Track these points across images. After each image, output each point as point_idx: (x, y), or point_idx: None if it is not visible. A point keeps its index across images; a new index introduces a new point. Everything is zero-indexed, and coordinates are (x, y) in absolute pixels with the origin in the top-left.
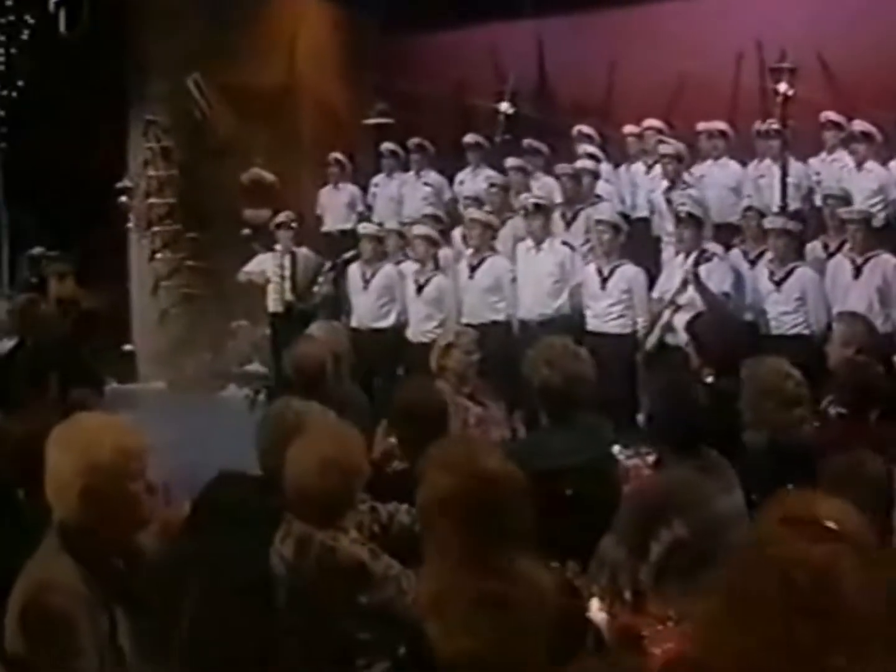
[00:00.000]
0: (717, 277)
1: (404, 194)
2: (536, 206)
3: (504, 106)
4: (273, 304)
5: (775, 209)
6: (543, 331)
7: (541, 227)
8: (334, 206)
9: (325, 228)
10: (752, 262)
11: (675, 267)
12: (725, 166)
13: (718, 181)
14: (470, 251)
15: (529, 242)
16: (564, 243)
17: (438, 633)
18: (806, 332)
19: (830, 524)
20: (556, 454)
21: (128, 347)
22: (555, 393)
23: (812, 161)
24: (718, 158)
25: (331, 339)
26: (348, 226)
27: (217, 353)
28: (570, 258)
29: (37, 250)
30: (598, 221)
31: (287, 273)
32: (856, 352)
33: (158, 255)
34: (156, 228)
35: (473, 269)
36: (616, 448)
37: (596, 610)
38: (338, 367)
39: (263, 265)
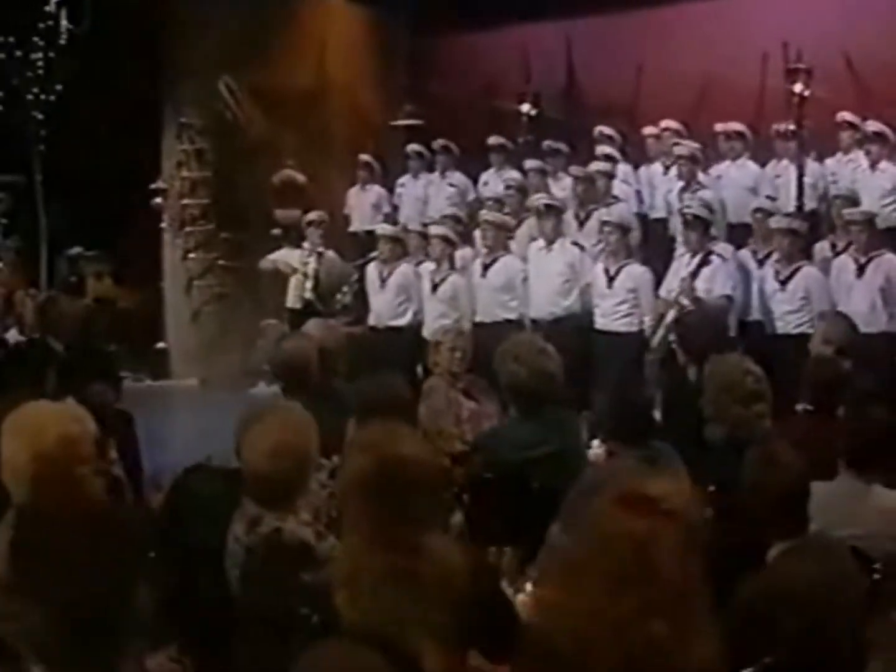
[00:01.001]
0: (720, 279)
1: (429, 195)
2: (548, 206)
3: (526, 107)
4: (292, 299)
5: (791, 209)
6: (554, 329)
7: (552, 228)
8: (361, 206)
9: (351, 228)
10: (761, 262)
11: (681, 267)
12: (743, 167)
13: (736, 182)
14: (484, 251)
15: (541, 242)
16: (575, 243)
17: (345, 604)
18: (811, 331)
19: (660, 500)
20: (523, 446)
21: (161, 345)
22: (521, 387)
23: (828, 161)
24: (736, 159)
25: (324, 335)
26: (374, 226)
27: (248, 350)
28: (579, 258)
29: (75, 250)
30: (605, 223)
31: (311, 271)
32: (836, 351)
33: (192, 255)
34: (189, 229)
35: (486, 268)
36: (595, 441)
37: (529, 591)
38: (329, 364)
39: (289, 258)
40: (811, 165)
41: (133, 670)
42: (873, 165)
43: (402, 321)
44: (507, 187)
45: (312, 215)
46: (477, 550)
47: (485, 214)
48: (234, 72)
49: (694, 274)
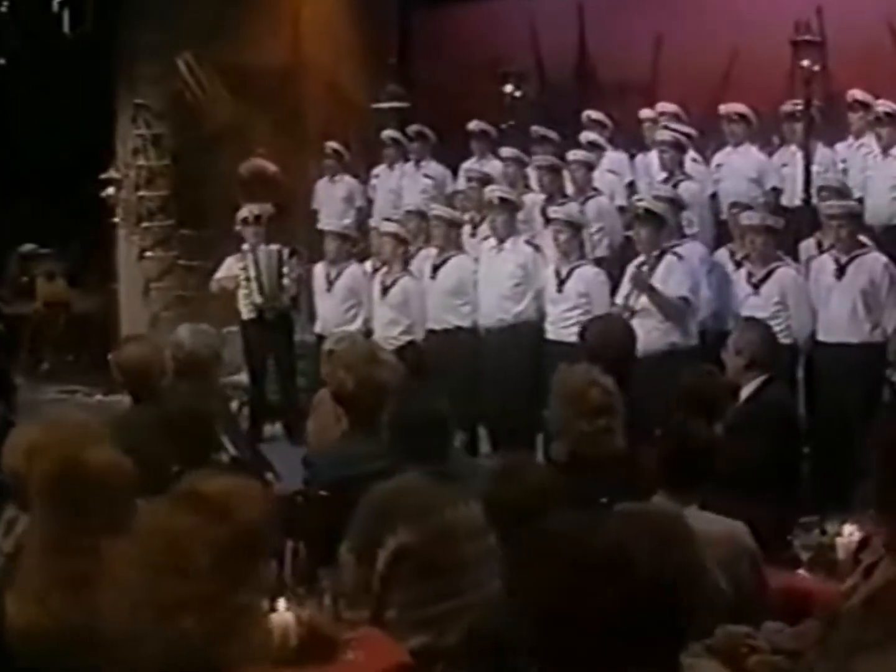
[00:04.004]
0: (674, 280)
1: (403, 186)
2: (502, 200)
3: (509, 88)
4: (244, 310)
5: (798, 202)
6: (504, 338)
7: (504, 224)
8: (331, 200)
9: (320, 226)
10: (738, 264)
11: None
12: (746, 154)
13: (737, 171)
14: (434, 251)
15: (493, 241)
16: (528, 242)
17: (13, 606)
18: (787, 340)
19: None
20: (351, 461)
21: None
22: (350, 398)
23: (838, 146)
24: (738, 145)
25: (194, 341)
26: (345, 222)
27: None
28: (533, 259)
29: (27, 247)
30: (554, 220)
31: (252, 273)
32: (748, 362)
33: (149, 254)
34: (146, 224)
35: (436, 269)
36: None
37: (282, 609)
38: (202, 370)
39: (231, 269)
40: (821, 151)
41: None
42: (885, 151)
43: (350, 328)
44: (469, 179)
45: (244, 212)
46: None
47: (434, 209)
48: (197, 47)
49: (637, 275)
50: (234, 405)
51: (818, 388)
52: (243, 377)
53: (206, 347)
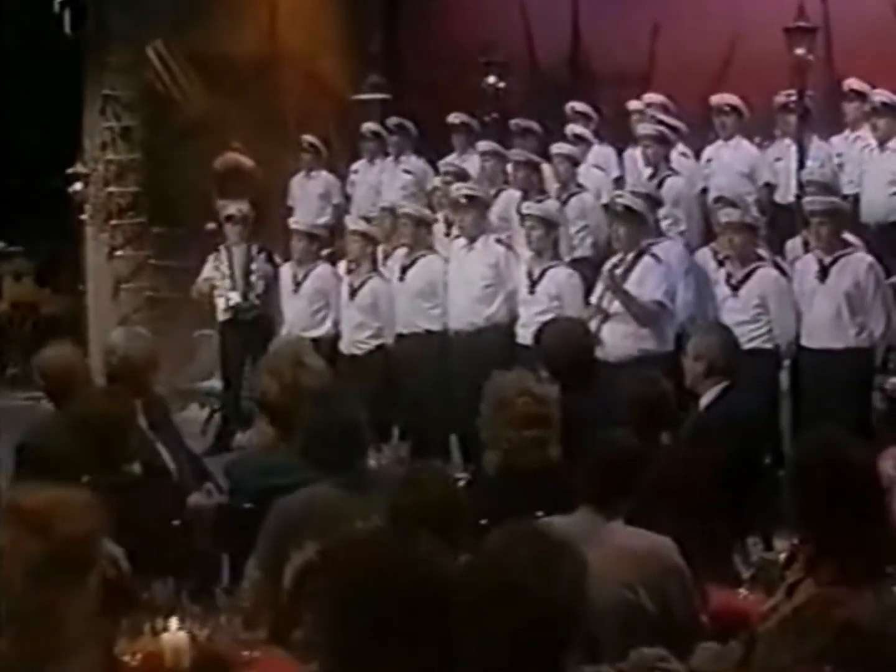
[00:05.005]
0: (650, 282)
1: (383, 182)
2: (469, 197)
3: (492, 79)
4: (221, 312)
5: (791, 198)
6: (474, 343)
7: (472, 223)
8: (307, 197)
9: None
10: (721, 263)
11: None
12: (737, 148)
13: (729, 166)
14: (403, 251)
15: (463, 240)
16: (500, 241)
17: None
18: (767, 345)
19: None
20: (269, 472)
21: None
22: (273, 405)
23: (835, 140)
24: (729, 139)
25: (129, 346)
26: (322, 220)
27: (182, 366)
28: (505, 259)
29: None
30: (527, 216)
31: (227, 273)
32: (706, 369)
33: (118, 253)
34: (115, 222)
35: (405, 270)
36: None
37: (174, 629)
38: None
39: (207, 272)
40: (816, 144)
41: None
42: (882, 144)
43: (318, 332)
44: (446, 173)
45: (231, 209)
46: None
47: (403, 206)
48: (169, 35)
49: (610, 276)
50: (205, 412)
51: (802, 397)
52: (216, 383)
53: (141, 352)
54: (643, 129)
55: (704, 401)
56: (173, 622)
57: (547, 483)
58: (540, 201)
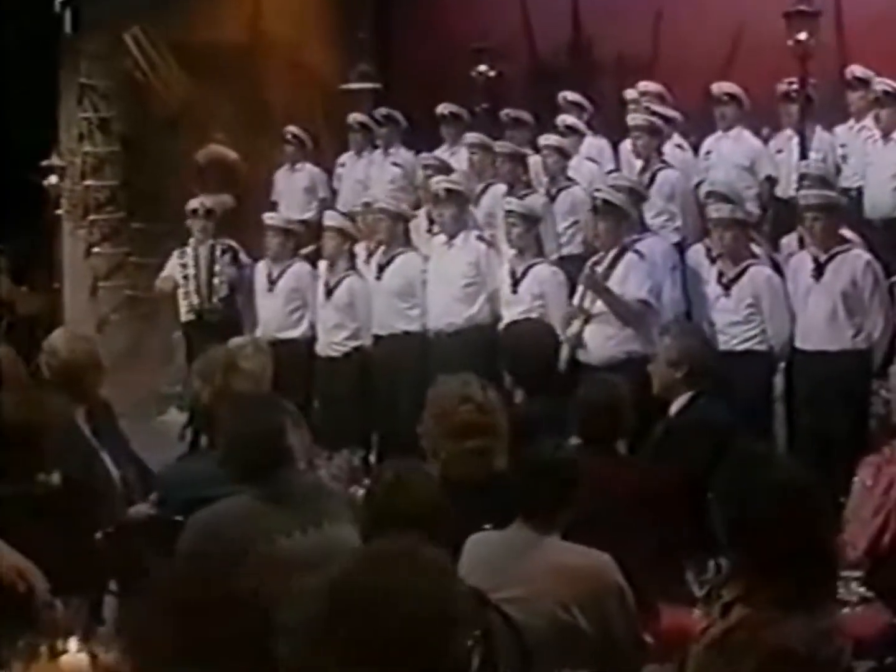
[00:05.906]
0: (633, 280)
1: (371, 176)
2: (448, 191)
3: (483, 67)
4: (183, 312)
5: (792, 192)
6: (455, 344)
7: (452, 218)
8: (291, 191)
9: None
10: (713, 260)
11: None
12: (738, 139)
13: (728, 159)
14: (381, 248)
15: (443, 237)
16: (481, 238)
17: None
18: (760, 347)
19: None
20: (198, 482)
21: None
22: (202, 411)
23: (839, 130)
24: (729, 129)
25: (71, 348)
26: (307, 215)
27: (162, 369)
28: (486, 256)
29: None
30: (509, 212)
31: (191, 272)
32: (685, 375)
33: (96, 250)
34: (93, 217)
35: (381, 269)
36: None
37: (74, 650)
38: (88, 381)
39: (172, 269)
40: (819, 135)
41: None
42: (886, 135)
43: (294, 332)
44: (426, 167)
45: (193, 203)
46: None
47: (380, 202)
48: (147, 21)
49: (590, 275)
50: (184, 416)
51: (796, 402)
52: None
53: (83, 355)
54: (632, 119)
55: (675, 407)
56: (73, 643)
57: (491, 495)
58: (523, 196)
